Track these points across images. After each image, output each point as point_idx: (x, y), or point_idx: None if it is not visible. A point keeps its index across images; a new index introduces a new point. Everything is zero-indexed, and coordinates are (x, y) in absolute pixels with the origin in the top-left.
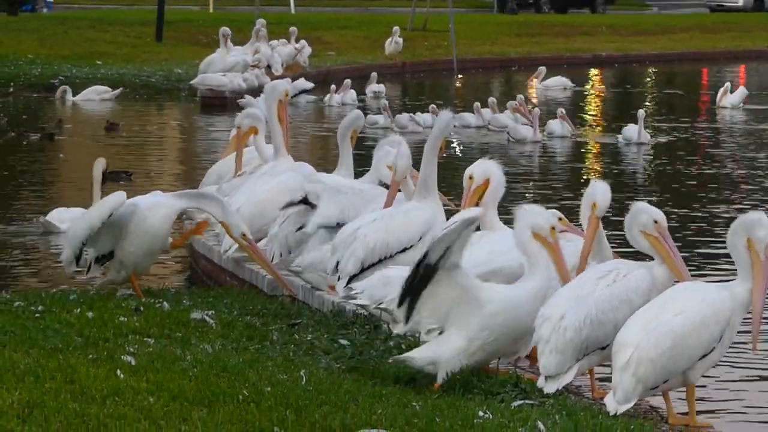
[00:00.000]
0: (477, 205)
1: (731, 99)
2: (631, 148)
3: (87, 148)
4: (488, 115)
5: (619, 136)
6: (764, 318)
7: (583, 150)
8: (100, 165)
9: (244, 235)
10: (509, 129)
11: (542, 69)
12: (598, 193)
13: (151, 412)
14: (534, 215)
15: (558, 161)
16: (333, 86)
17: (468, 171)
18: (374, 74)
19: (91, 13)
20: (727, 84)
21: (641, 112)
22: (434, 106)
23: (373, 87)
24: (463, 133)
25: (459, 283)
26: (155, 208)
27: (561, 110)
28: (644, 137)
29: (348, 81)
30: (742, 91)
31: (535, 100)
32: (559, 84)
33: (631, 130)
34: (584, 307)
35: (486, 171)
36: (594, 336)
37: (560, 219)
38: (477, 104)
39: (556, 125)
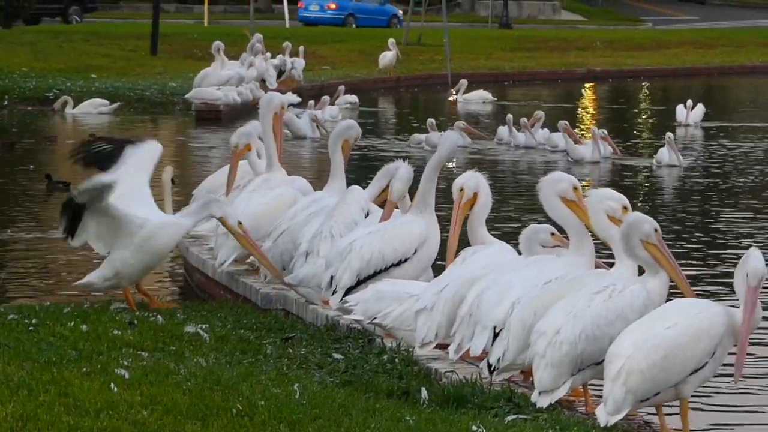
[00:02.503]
0: (467, 218)
1: (693, 116)
2: (663, 170)
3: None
4: (504, 133)
5: (655, 157)
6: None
7: (621, 173)
8: (168, 172)
9: (240, 224)
10: (568, 149)
11: (463, 82)
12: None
13: (145, 425)
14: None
15: (599, 182)
16: (311, 102)
17: (458, 183)
18: (341, 87)
19: (85, 27)
20: (689, 101)
21: (669, 135)
22: (463, 123)
23: (347, 98)
24: (519, 153)
25: None
26: (166, 227)
27: (603, 131)
28: (676, 159)
29: (326, 97)
30: (701, 108)
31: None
32: (479, 98)
33: (662, 153)
34: (580, 322)
35: (476, 185)
36: (589, 351)
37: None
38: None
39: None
